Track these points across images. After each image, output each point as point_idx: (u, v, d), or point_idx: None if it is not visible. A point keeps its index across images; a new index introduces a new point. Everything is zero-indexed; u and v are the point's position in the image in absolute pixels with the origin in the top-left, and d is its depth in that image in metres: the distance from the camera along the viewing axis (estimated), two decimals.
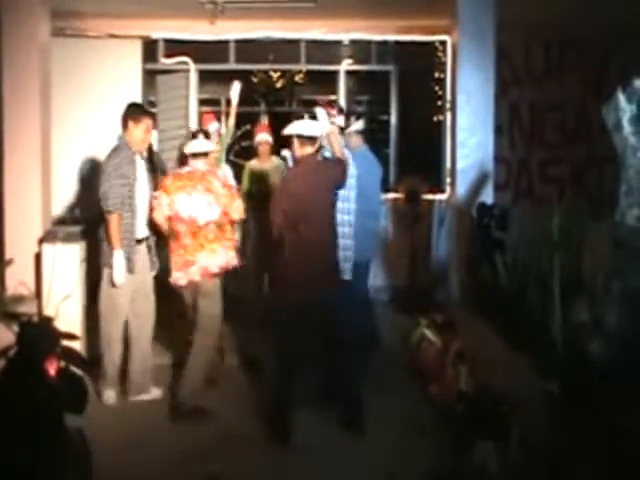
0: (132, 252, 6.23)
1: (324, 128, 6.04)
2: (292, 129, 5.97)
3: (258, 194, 8.17)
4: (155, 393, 6.47)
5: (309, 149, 5.93)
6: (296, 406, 5.77)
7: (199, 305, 6.20)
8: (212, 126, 8.07)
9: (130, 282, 6.26)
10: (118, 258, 6.16)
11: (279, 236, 5.87)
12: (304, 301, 5.76)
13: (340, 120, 6.76)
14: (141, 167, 6.39)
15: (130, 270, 6.22)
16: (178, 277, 6.20)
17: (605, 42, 9.66)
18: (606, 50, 9.69)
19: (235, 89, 8.21)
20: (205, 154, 6.35)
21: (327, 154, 6.43)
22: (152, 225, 6.38)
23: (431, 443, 5.34)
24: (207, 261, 6.13)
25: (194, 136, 6.65)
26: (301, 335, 5.85)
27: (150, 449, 5.44)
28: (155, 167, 7.32)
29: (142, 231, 6.38)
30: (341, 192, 6.19)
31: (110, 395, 6.33)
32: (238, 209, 6.29)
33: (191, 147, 6.33)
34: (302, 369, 5.94)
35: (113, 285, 6.20)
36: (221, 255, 6.21)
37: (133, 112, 6.38)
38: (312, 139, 5.93)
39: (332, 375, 5.98)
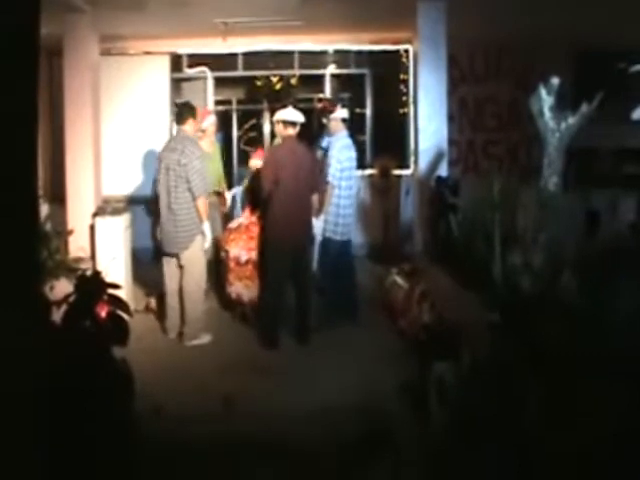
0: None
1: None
2: (278, 116, 6.19)
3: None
4: (205, 339, 6.13)
5: (291, 131, 6.11)
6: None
7: None
8: (207, 120, 7.25)
9: None
10: (206, 228, 6.09)
11: (268, 196, 6.00)
12: (285, 244, 5.95)
13: (343, 112, 6.62)
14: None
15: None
16: None
17: (530, 49, 9.68)
18: (530, 55, 9.69)
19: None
20: None
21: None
22: None
23: (399, 364, 5.30)
24: None
25: None
26: (283, 268, 6.02)
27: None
28: None
29: None
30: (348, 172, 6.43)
31: (172, 336, 6.23)
32: None
33: None
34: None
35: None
36: None
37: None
38: (293, 124, 6.10)
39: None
